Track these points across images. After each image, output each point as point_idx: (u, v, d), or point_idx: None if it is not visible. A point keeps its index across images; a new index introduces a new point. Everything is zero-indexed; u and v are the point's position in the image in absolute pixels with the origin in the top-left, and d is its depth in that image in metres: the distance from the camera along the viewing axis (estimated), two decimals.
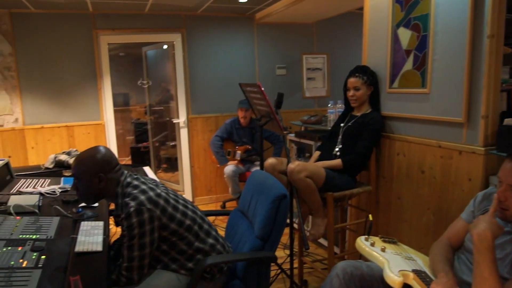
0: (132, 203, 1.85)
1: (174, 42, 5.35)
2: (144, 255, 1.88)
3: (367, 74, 3.02)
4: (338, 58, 6.04)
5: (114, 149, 5.25)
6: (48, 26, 4.94)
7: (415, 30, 2.77)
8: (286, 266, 3.35)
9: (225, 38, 5.54)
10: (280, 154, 4.95)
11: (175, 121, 5.55)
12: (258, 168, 4.87)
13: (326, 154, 3.08)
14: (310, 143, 3.93)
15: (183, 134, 5.51)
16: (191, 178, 5.63)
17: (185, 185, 5.60)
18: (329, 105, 3.70)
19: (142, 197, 1.88)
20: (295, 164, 2.71)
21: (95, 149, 2.01)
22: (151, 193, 1.92)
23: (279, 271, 3.23)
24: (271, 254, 2.14)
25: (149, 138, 6.67)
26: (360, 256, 2.41)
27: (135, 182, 1.99)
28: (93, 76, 5.15)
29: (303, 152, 4.15)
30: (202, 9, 5.20)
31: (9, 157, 4.76)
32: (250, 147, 4.97)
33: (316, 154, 3.19)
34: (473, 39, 2.38)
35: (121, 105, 9.12)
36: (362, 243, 2.07)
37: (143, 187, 1.95)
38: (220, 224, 4.61)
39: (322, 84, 6.02)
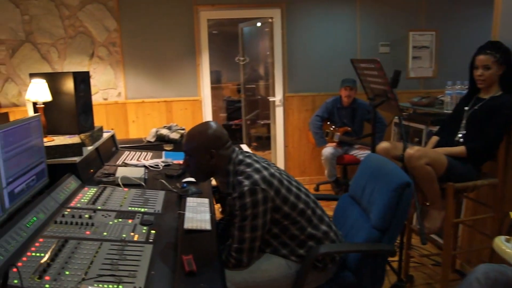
0: (246, 182, 1.72)
1: (273, 18, 5.18)
2: (255, 237, 1.75)
3: (500, 51, 2.61)
4: (449, 36, 5.49)
5: None
6: (150, 2, 5.01)
7: None
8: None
9: (325, 14, 5.26)
10: (383, 138, 4.62)
11: (271, 99, 5.42)
12: (358, 151, 4.63)
13: (446, 140, 2.74)
14: (420, 127, 3.59)
15: (279, 112, 5.37)
16: (285, 158, 5.50)
17: (277, 165, 5.47)
18: (447, 86, 3.32)
19: (256, 176, 1.75)
20: (414, 149, 2.43)
21: (206, 125, 1.91)
22: (265, 173, 1.79)
23: None
24: (390, 247, 1.92)
25: (242, 116, 6.62)
26: (490, 258, 2.10)
27: (248, 160, 1.86)
28: (192, 52, 5.16)
29: (409, 137, 3.81)
30: None
31: (112, 129, 4.95)
32: (350, 129, 4.69)
33: (434, 139, 2.87)
34: None
35: (214, 83, 9.19)
36: (503, 244, 1.77)
37: (257, 165, 1.82)
38: None
39: (429, 63, 5.53)
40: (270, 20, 5.25)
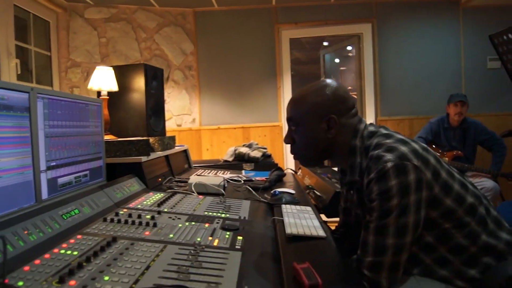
0: (389, 156, 1.10)
1: (363, 33, 4.63)
2: (402, 245, 1.09)
3: None
4: None
5: (289, 154, 4.69)
6: (229, 23, 4.70)
7: None
8: None
9: (423, 27, 4.62)
10: (502, 164, 3.76)
11: None
12: (472, 180, 3.78)
13: None
14: None
15: None
16: None
17: None
18: None
19: (404, 148, 1.12)
20: None
21: (322, 82, 1.32)
22: (416, 145, 1.15)
23: None
24: None
25: None
26: None
27: (384, 131, 1.24)
28: (273, 74, 4.72)
29: None
30: None
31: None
32: (461, 153, 3.88)
33: None
34: None
35: None
36: None
37: (400, 136, 1.20)
38: None
39: None
40: (359, 36, 4.69)
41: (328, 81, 1.31)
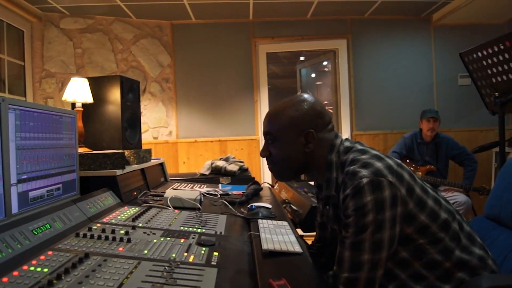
0: (365, 172, 1.11)
1: (338, 49, 4.71)
2: (378, 261, 1.10)
3: None
4: None
5: (266, 168, 4.69)
6: (206, 36, 4.71)
7: None
8: None
9: (396, 44, 4.74)
10: (474, 178, 3.85)
11: None
12: (444, 194, 3.86)
13: None
14: None
15: None
16: None
17: None
18: None
19: (379, 164, 1.13)
20: None
21: (299, 97, 1.32)
22: (390, 161, 1.17)
23: None
24: None
25: None
26: None
27: (360, 147, 1.26)
28: (250, 87, 4.74)
29: None
30: (370, 11, 4.52)
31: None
32: (434, 167, 3.96)
33: None
34: None
35: None
36: None
37: (375, 152, 1.22)
38: None
39: None
40: (335, 52, 4.77)
41: (305, 95, 1.32)
